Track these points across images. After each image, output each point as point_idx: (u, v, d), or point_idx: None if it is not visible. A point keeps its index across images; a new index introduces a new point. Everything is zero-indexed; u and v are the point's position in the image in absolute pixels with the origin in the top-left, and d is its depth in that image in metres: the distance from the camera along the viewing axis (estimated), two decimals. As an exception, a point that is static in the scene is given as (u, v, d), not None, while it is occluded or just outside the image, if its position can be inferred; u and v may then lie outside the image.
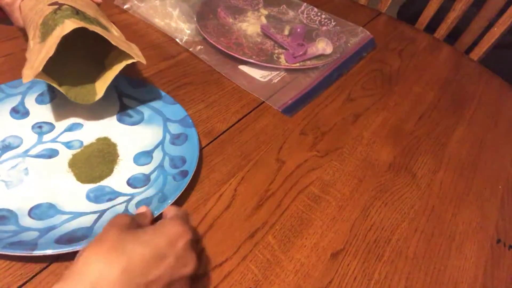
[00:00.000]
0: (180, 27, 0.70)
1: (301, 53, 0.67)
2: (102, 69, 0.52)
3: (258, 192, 0.46)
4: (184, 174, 0.43)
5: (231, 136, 0.52)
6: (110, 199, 0.42)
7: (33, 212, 0.39)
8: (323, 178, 0.49)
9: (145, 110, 0.52)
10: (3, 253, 0.34)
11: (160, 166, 0.45)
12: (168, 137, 0.49)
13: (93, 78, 0.51)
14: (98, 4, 0.58)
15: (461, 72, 0.75)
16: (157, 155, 0.47)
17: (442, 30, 0.85)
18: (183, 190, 0.41)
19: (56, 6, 0.47)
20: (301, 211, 0.45)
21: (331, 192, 0.47)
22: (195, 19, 0.71)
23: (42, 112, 0.49)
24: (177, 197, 0.40)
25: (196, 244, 0.35)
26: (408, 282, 0.40)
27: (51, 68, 0.45)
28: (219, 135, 0.52)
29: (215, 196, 0.44)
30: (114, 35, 0.50)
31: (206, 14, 0.73)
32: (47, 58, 0.42)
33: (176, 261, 0.30)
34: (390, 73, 0.71)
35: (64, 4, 0.48)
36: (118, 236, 0.29)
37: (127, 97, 0.53)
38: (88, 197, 0.42)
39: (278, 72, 0.65)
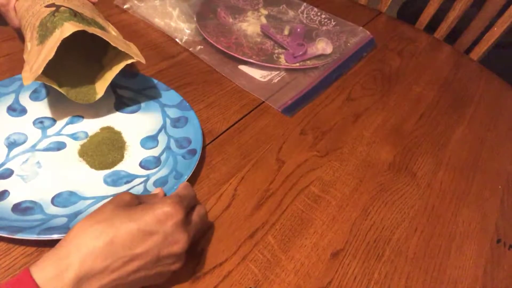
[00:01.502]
0: (180, 27, 0.70)
1: (301, 53, 0.67)
2: (100, 68, 0.52)
3: (258, 192, 0.46)
4: (192, 152, 0.45)
5: (231, 136, 0.52)
6: (127, 182, 0.44)
7: (55, 200, 0.40)
8: (323, 178, 0.49)
9: (141, 99, 0.53)
10: (41, 238, 0.35)
11: (168, 148, 0.47)
12: (168, 121, 0.51)
13: (91, 77, 0.51)
14: (94, 4, 0.58)
15: (461, 72, 0.75)
16: (162, 138, 0.49)
17: (442, 30, 0.85)
18: (195, 167, 0.43)
19: (53, 8, 0.47)
20: (301, 211, 0.45)
21: (331, 192, 0.47)
22: (195, 19, 0.71)
23: (39, 108, 0.50)
24: (191, 173, 0.43)
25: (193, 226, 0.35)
26: (408, 282, 0.40)
27: (50, 69, 0.45)
28: (219, 135, 0.52)
29: (215, 196, 0.44)
30: (112, 35, 0.50)
31: (206, 14, 0.73)
32: (47, 61, 0.42)
33: (164, 238, 0.31)
34: (390, 73, 0.71)
35: (61, 6, 0.48)
36: (111, 212, 0.31)
37: (121, 87, 0.54)
38: (105, 182, 0.43)
39: (278, 72, 0.65)
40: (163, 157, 0.46)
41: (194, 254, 0.39)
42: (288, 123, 0.56)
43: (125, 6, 0.74)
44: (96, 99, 0.48)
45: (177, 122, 0.50)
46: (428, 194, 0.50)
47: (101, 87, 0.49)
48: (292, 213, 0.44)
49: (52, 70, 0.46)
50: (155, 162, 0.46)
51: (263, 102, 0.59)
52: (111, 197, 0.34)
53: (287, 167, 0.49)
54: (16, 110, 0.49)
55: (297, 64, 0.66)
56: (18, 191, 0.40)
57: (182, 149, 0.47)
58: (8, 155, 0.44)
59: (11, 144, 0.45)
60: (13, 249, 0.37)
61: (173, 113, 0.51)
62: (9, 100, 0.49)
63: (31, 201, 0.39)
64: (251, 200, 0.45)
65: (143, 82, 0.54)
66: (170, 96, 0.53)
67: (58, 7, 0.47)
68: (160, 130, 0.50)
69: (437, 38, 0.86)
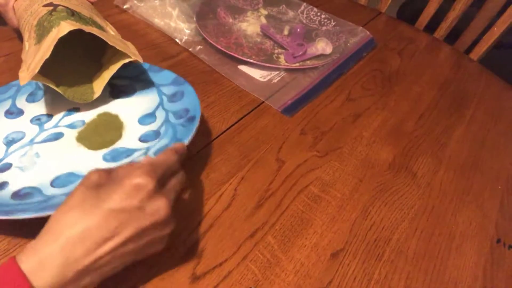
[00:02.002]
0: (180, 27, 0.70)
1: (300, 53, 0.67)
2: (98, 67, 0.52)
3: (258, 192, 0.46)
4: (191, 119, 0.45)
5: (231, 136, 0.52)
6: (128, 156, 0.44)
7: (54, 182, 0.40)
8: (323, 178, 0.49)
9: (136, 84, 0.53)
10: (40, 215, 0.34)
11: (166, 120, 0.47)
12: (165, 98, 0.51)
13: (89, 76, 0.51)
14: (93, 3, 0.58)
15: (461, 72, 0.75)
16: (160, 114, 0.49)
17: (442, 30, 0.85)
18: (195, 132, 0.43)
19: (51, 7, 0.47)
20: (301, 211, 0.45)
21: (331, 192, 0.47)
22: (194, 19, 0.71)
23: (36, 109, 0.50)
24: (191, 137, 0.42)
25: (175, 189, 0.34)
26: (408, 282, 0.40)
27: (48, 68, 0.45)
28: (219, 135, 0.52)
29: (215, 196, 0.44)
30: (110, 34, 0.50)
31: (206, 14, 0.73)
32: (43, 61, 0.42)
33: (140, 211, 0.31)
34: (390, 73, 0.71)
35: (59, 5, 0.48)
36: (82, 195, 0.31)
37: (116, 78, 0.53)
38: (105, 159, 0.43)
39: (277, 72, 0.65)
40: (162, 130, 0.46)
41: (194, 254, 0.39)
42: (288, 123, 0.56)
43: (125, 6, 0.74)
44: (94, 98, 0.49)
45: (173, 97, 0.50)
46: (428, 194, 0.50)
47: (98, 86, 0.49)
48: (292, 213, 0.44)
49: (49, 70, 0.46)
50: (155, 135, 0.46)
51: (263, 102, 0.59)
52: (81, 179, 0.33)
53: (287, 167, 0.49)
54: (14, 113, 0.49)
55: (297, 64, 0.66)
56: (17, 180, 0.40)
57: (180, 119, 0.46)
58: (7, 151, 0.44)
59: (10, 142, 0.45)
60: (13, 249, 0.37)
61: (168, 90, 0.51)
62: (5, 105, 0.49)
63: (30, 187, 0.39)
64: (251, 200, 0.45)
65: (136, 69, 0.54)
66: (164, 76, 0.53)
67: (55, 6, 0.47)
68: (157, 107, 0.50)
69: (437, 38, 0.86)
